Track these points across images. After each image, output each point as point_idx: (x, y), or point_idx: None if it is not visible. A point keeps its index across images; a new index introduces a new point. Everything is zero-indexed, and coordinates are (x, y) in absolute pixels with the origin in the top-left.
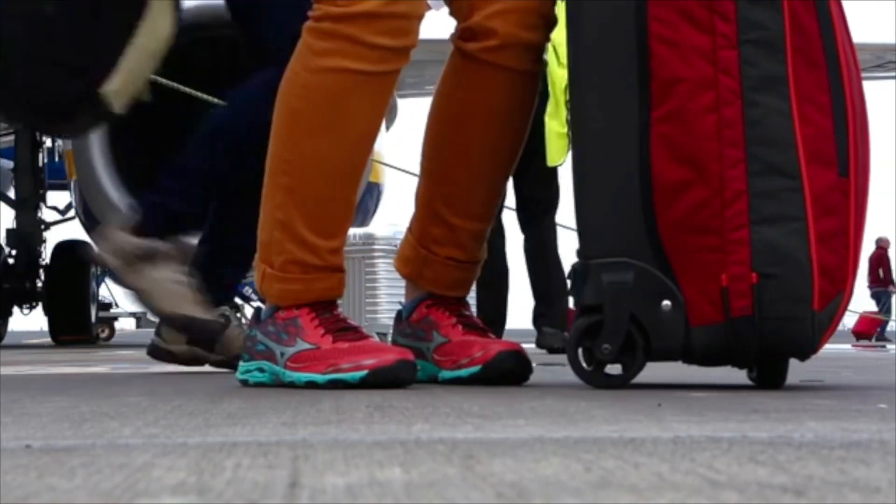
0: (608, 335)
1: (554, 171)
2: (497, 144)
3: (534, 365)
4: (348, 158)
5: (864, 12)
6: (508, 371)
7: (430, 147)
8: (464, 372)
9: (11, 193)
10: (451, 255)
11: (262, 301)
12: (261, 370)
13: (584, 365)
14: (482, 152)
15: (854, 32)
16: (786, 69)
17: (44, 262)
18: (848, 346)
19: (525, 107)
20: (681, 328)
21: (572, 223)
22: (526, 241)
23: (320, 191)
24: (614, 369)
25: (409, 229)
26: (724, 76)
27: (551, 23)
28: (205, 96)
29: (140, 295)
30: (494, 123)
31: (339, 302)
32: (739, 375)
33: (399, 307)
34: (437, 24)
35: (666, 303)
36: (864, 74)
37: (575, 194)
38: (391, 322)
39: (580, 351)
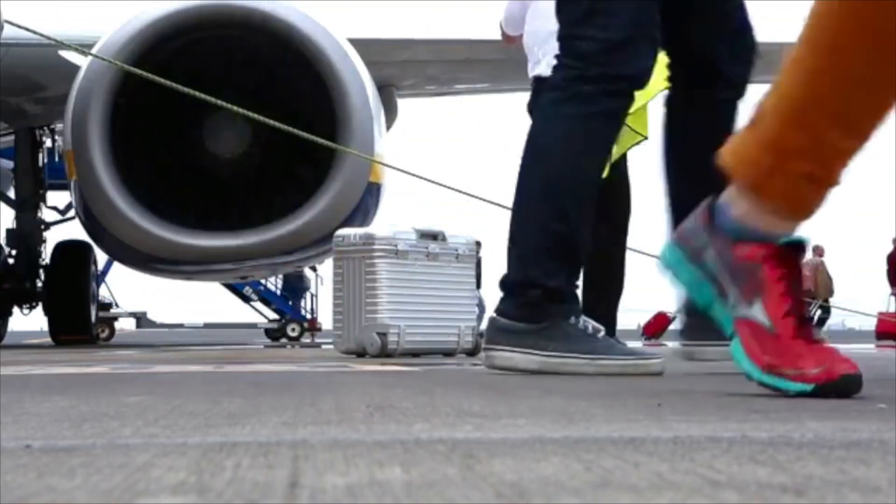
0: None
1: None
2: None
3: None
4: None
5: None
6: None
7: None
8: None
9: (11, 193)
10: (809, 172)
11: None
12: (697, 280)
13: None
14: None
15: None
16: None
17: (44, 262)
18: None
19: None
20: None
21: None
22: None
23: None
24: None
25: (750, 129)
26: None
27: None
28: (206, 97)
29: None
30: None
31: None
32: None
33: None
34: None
35: None
36: None
37: None
38: (391, 322)
39: None
